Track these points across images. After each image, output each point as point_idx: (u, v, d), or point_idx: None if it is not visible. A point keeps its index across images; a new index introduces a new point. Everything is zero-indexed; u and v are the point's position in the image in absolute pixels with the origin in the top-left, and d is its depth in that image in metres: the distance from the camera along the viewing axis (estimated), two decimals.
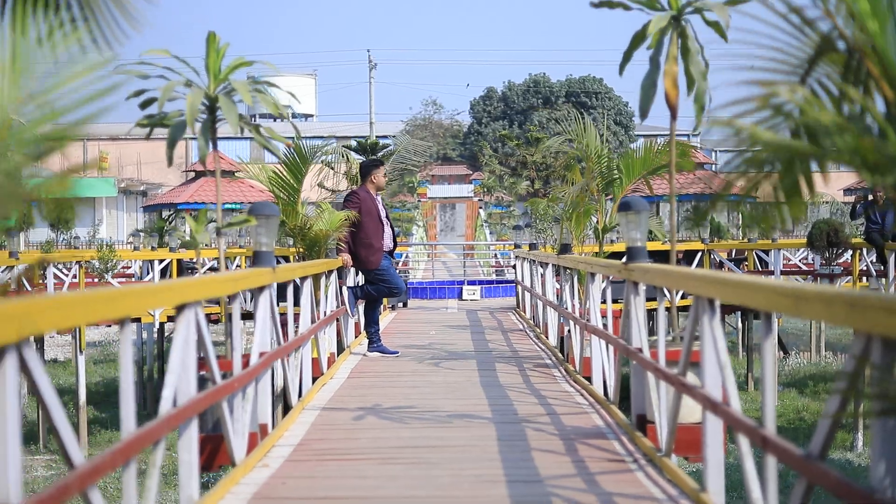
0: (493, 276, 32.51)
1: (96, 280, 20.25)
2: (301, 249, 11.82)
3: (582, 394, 9.61)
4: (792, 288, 3.89)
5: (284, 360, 8.22)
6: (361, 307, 13.94)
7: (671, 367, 6.57)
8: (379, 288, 12.76)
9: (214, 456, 6.84)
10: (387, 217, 12.90)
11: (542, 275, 15.47)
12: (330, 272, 11.83)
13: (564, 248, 12.09)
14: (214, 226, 7.59)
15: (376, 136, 66.88)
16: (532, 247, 16.70)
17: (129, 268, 28.11)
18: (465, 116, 76.40)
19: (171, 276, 21.86)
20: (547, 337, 14.24)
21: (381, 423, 8.21)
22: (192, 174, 39.99)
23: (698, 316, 5.46)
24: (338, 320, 12.81)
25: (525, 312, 18.46)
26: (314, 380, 10.79)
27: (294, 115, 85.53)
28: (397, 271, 22.06)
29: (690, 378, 6.24)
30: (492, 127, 69.69)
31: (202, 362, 6.88)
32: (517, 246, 20.79)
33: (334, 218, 11.78)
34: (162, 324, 23.35)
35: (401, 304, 22.76)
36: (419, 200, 53.21)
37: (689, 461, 7.33)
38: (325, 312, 11.34)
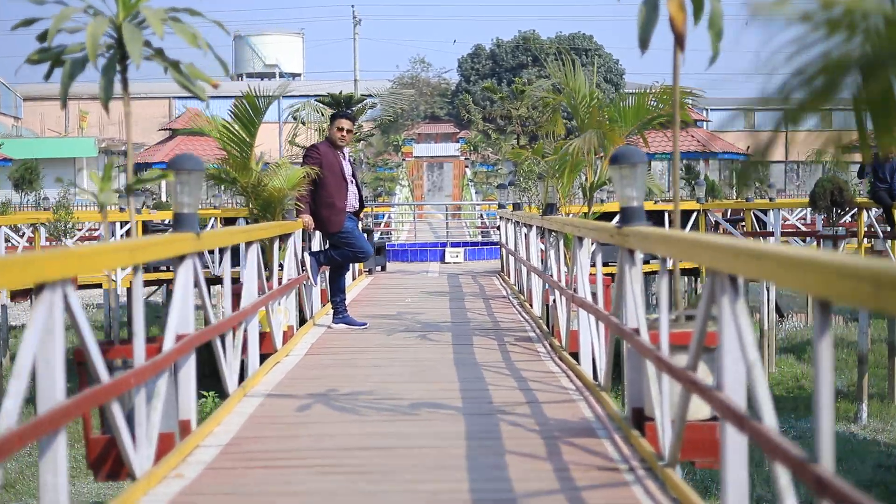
0: (479, 238, 31.26)
1: (54, 243, 18.94)
2: (254, 210, 10.55)
3: (568, 375, 8.39)
4: (867, 269, 2.65)
5: (217, 341, 6.95)
6: (328, 274, 12.70)
7: (676, 353, 5.34)
8: (343, 252, 11.50)
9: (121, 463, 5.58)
10: (353, 175, 11.62)
11: (526, 237, 14.23)
12: (286, 236, 10.56)
13: (549, 209, 10.82)
14: (127, 184, 6.32)
15: (361, 94, 65.54)
16: (516, 207, 15.43)
17: (97, 230, 26.74)
18: (453, 74, 74.95)
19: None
20: (531, 306, 13.01)
21: (331, 414, 6.98)
22: (169, 133, 38.66)
23: (715, 296, 4.23)
24: (300, 289, 11.57)
25: (509, 277, 17.23)
26: (266, 358, 9.58)
27: (281, 75, 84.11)
28: (371, 233, 20.95)
29: (701, 371, 5.01)
30: (480, 85, 68.29)
31: (107, 348, 5.65)
32: (501, 206, 19.54)
33: (292, 175, 10.52)
34: (128, 290, 22.12)
35: (378, 268, 21.51)
36: (404, 159, 51.75)
37: (696, 466, 6.10)
38: (279, 282, 10.09)
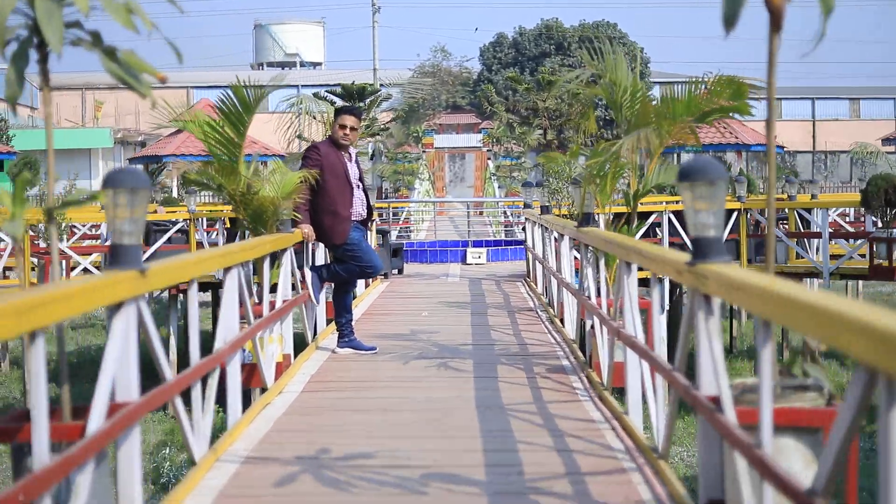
0: (502, 236, 29.76)
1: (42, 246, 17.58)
2: (245, 221, 9.12)
3: (613, 427, 6.92)
4: None
5: (178, 400, 5.51)
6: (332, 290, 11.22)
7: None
8: (349, 267, 10.07)
9: None
10: (360, 179, 10.18)
11: (556, 245, 12.79)
12: (282, 251, 9.13)
13: (586, 219, 9.33)
14: (50, 205, 4.88)
15: (380, 84, 63.86)
16: (544, 210, 13.97)
17: (99, 227, 25.34)
18: (475, 63, 73.54)
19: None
20: (563, 324, 11.54)
21: (321, 492, 5.54)
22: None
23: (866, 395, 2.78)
24: (301, 309, 10.15)
25: (536, 285, 15.76)
26: (261, 391, 8.18)
27: (302, 64, 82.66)
28: (386, 234, 19.38)
29: (798, 457, 3.55)
30: (502, 74, 66.67)
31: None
32: (527, 206, 18.07)
33: (287, 181, 9.08)
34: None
35: (395, 271, 20.08)
36: (424, 151, 50.17)
37: None
38: (272, 306, 8.66)
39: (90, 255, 18.51)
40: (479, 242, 24.56)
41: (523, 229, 19.12)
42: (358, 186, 10.10)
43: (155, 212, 20.42)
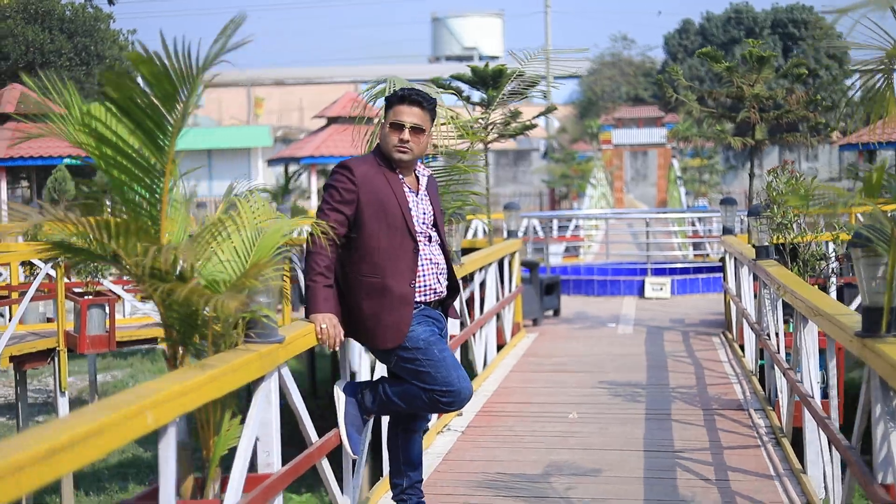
0: (690, 252, 24.57)
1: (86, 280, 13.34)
2: (172, 327, 4.49)
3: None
4: None
5: None
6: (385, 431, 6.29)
7: None
8: (409, 391, 5.37)
9: None
10: (435, 223, 5.52)
11: (781, 313, 8.00)
12: (256, 383, 4.51)
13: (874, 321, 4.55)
14: None
15: (553, 77, 58.99)
16: (761, 253, 8.90)
17: None
18: (659, 52, 68.62)
19: None
20: (804, 464, 6.74)
21: None
22: (325, 121, 33.16)
23: None
24: (323, 466, 5.53)
25: (742, 354, 10.85)
26: None
27: (480, 57, 78.42)
28: (535, 266, 14.34)
29: None
30: (688, 63, 61.49)
31: None
32: (727, 230, 13.13)
33: (266, 240, 4.49)
34: None
35: (551, 313, 15.36)
36: (599, 148, 45.00)
37: None
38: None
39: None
40: (662, 270, 19.48)
41: (721, 262, 14.17)
42: (430, 238, 5.46)
43: None
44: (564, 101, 74.22)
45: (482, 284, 11.08)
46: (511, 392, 9.72)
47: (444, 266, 5.54)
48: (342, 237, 5.31)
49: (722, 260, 13.65)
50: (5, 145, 25.92)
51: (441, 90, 12.73)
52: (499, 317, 12.02)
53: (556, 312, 15.41)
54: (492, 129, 12.07)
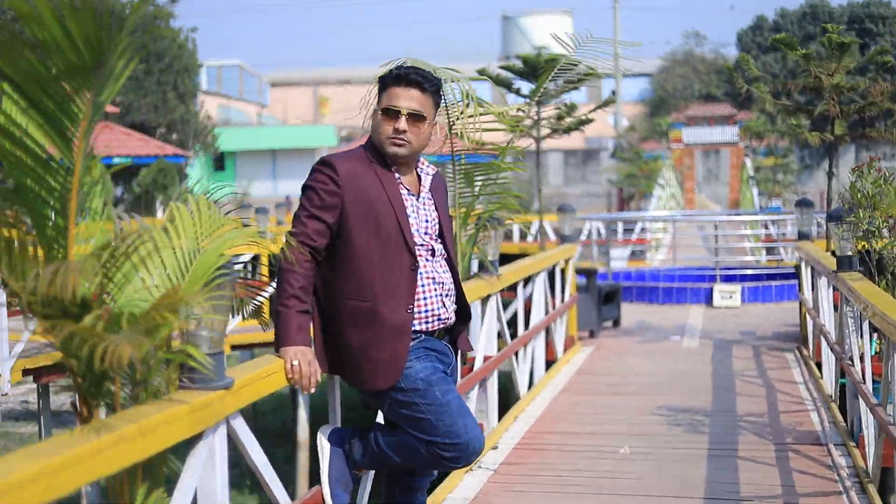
0: (763, 256, 23.24)
1: None
2: (77, 376, 3.49)
3: None
4: None
5: None
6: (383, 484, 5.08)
7: None
8: (404, 441, 4.33)
9: None
10: (440, 234, 4.47)
11: (857, 323, 6.85)
12: (194, 443, 3.50)
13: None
14: None
15: (623, 74, 57.58)
16: (843, 264, 7.75)
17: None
18: (732, 50, 67.08)
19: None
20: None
21: None
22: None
23: None
24: None
25: (820, 374, 9.67)
26: None
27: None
28: (593, 274, 13.01)
29: None
30: (762, 60, 59.97)
31: None
32: (802, 235, 11.93)
33: (201, 263, 3.46)
34: None
35: (611, 323, 14.24)
36: (669, 147, 43.54)
37: None
38: None
39: None
40: (732, 276, 18.18)
41: (795, 269, 12.95)
42: (433, 252, 4.41)
43: None
44: (635, 99, 72.86)
45: (528, 297, 10.01)
46: (557, 418, 8.63)
47: (452, 286, 4.48)
48: (322, 251, 4.29)
49: (797, 267, 12.45)
50: None
51: (489, 82, 11.69)
52: (548, 330, 10.93)
53: (616, 323, 14.28)
54: (543, 124, 10.97)
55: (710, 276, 17.86)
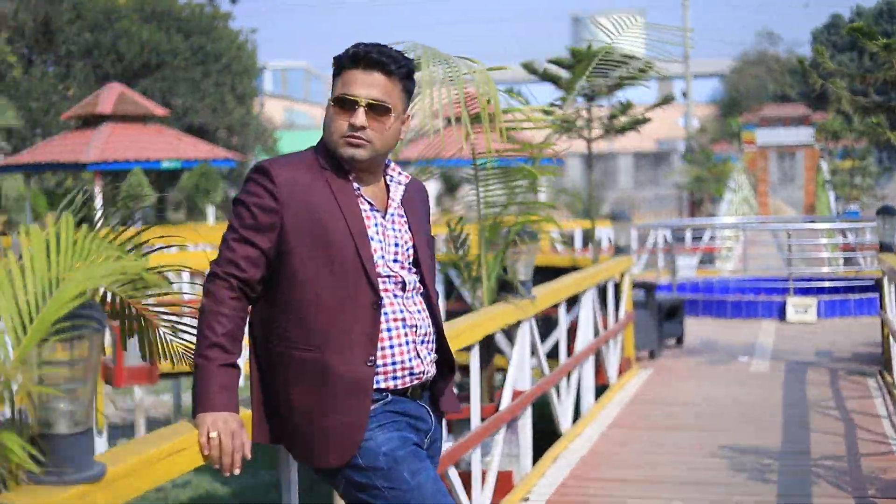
0: (840, 265, 21.80)
1: None
2: None
3: None
4: None
5: None
6: None
7: None
8: None
9: None
10: (414, 261, 3.41)
11: None
12: None
13: None
14: None
15: (693, 74, 56.15)
16: None
17: None
18: (806, 49, 65.48)
19: None
20: None
21: None
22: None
23: None
24: None
25: None
26: None
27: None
28: (651, 289, 11.68)
29: None
30: (837, 59, 58.34)
31: None
32: (885, 247, 10.72)
33: (53, 303, 2.45)
34: None
35: (674, 341, 13.10)
36: (741, 148, 42.01)
37: None
38: None
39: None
40: (807, 289, 16.82)
41: (876, 283, 11.75)
42: (403, 286, 3.35)
43: None
44: (706, 100, 71.27)
45: (575, 318, 8.92)
46: (602, 461, 7.53)
47: (430, 329, 3.43)
48: (257, 284, 3.27)
49: (878, 281, 11.23)
50: (101, 148, 24.54)
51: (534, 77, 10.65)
52: (599, 353, 9.82)
53: (680, 341, 13.11)
54: (595, 125, 9.86)
55: (783, 287, 16.57)
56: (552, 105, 8.73)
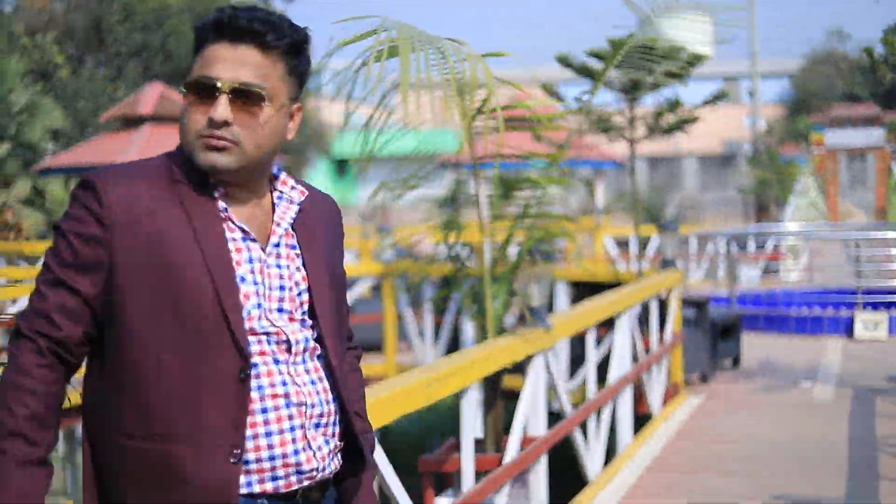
0: None
1: None
2: None
3: None
4: None
5: None
6: None
7: None
8: None
9: None
10: (308, 310, 2.41)
11: None
12: None
13: None
14: None
15: (760, 74, 54.51)
16: None
17: None
18: (878, 48, 63.38)
19: None
20: None
21: None
22: None
23: None
24: None
25: None
26: None
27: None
28: (703, 305, 10.39)
29: None
30: None
31: None
32: None
33: None
34: None
35: (730, 361, 11.98)
36: (810, 150, 40.38)
37: None
38: None
39: None
40: (875, 302, 15.51)
41: None
42: (287, 346, 2.34)
43: None
44: (774, 101, 69.42)
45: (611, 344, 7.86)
46: (651, 482, 6.48)
47: (330, 406, 2.41)
48: (78, 346, 2.29)
49: None
50: (141, 149, 23.76)
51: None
52: (640, 380, 8.74)
53: (736, 362, 11.97)
54: (633, 123, 8.78)
55: (851, 302, 15.31)
56: (576, 99, 7.66)
